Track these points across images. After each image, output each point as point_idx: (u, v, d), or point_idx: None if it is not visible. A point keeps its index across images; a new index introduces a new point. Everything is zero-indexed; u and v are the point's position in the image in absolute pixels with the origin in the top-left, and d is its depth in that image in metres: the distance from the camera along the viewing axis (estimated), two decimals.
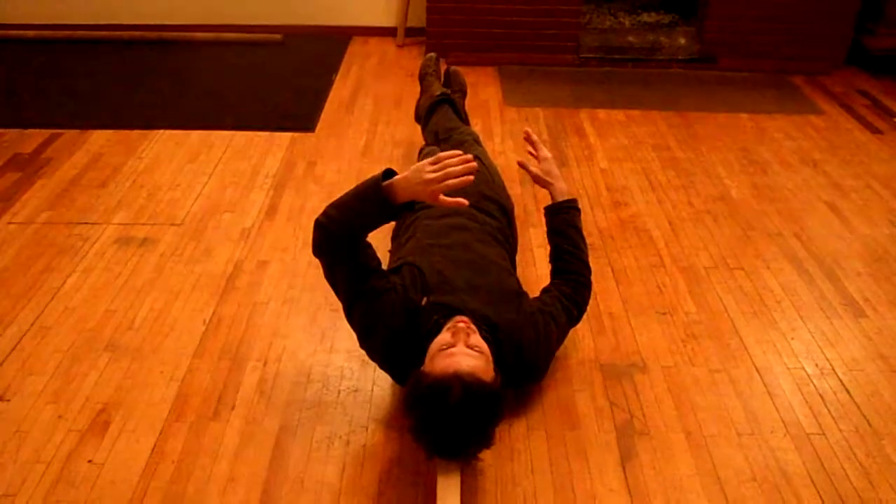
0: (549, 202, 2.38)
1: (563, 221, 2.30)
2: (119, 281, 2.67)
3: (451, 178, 1.81)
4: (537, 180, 2.39)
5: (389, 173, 1.90)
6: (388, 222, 1.96)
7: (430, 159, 1.85)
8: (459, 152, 1.86)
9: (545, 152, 2.42)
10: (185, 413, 2.13)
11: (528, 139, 2.42)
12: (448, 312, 1.95)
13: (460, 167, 1.82)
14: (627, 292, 2.68)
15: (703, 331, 2.51)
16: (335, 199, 1.98)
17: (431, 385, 1.76)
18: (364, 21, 5.26)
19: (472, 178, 1.82)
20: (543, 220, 2.39)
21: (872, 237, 3.07)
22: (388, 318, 1.99)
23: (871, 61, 4.84)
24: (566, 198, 2.35)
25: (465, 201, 1.84)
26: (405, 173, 1.87)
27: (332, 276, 2.06)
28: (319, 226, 1.98)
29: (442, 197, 1.82)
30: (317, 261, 2.18)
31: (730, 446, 2.07)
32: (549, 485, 1.95)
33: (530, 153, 2.43)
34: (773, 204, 3.29)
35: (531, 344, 2.02)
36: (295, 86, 4.44)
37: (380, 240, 2.23)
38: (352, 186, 2.24)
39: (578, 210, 2.34)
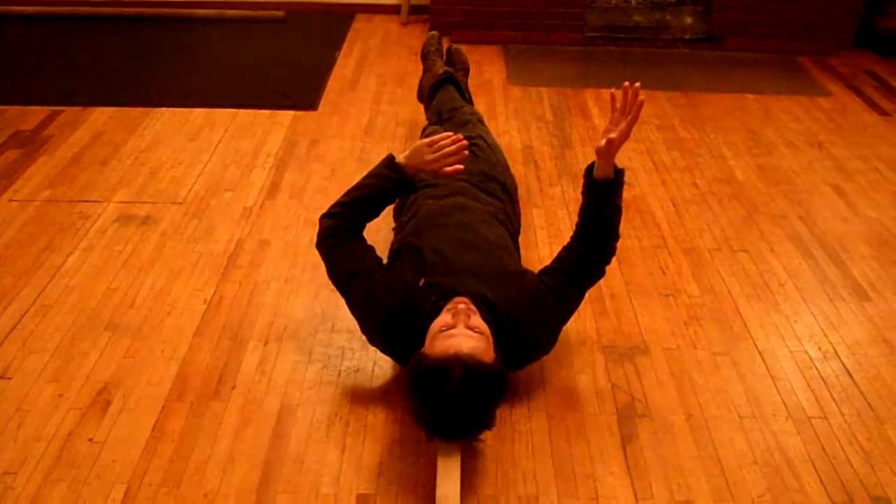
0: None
1: (607, 200, 2.03)
2: (120, 259, 2.66)
3: (446, 159, 2.05)
4: (610, 145, 1.96)
5: (391, 158, 2.13)
6: (399, 195, 2.17)
7: (425, 141, 2.07)
8: (451, 133, 2.07)
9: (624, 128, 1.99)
10: (186, 392, 2.13)
11: (632, 98, 1.97)
12: (447, 293, 1.94)
13: (453, 147, 2.05)
14: (630, 274, 2.67)
15: (705, 313, 2.50)
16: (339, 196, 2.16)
17: (432, 367, 1.76)
18: None
19: (466, 153, 2.07)
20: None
21: (878, 220, 3.05)
22: (383, 297, 1.99)
23: (880, 42, 4.79)
24: (613, 171, 2.00)
25: (461, 167, 2.07)
26: (406, 153, 2.11)
27: (333, 266, 2.11)
28: (328, 216, 2.13)
29: (445, 170, 2.06)
30: None
31: (731, 429, 2.07)
32: (550, 466, 1.94)
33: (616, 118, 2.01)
34: (779, 186, 3.27)
35: (531, 323, 2.01)
36: (297, 64, 4.41)
37: (382, 218, 2.22)
38: (354, 164, 2.26)
39: (623, 184, 2.05)
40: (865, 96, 4.21)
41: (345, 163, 3.31)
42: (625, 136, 1.98)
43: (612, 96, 1.99)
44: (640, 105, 1.95)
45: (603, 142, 1.95)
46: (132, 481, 1.87)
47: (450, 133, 2.07)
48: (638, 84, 1.96)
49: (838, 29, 4.81)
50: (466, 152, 2.07)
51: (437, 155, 2.05)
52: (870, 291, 2.63)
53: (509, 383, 1.91)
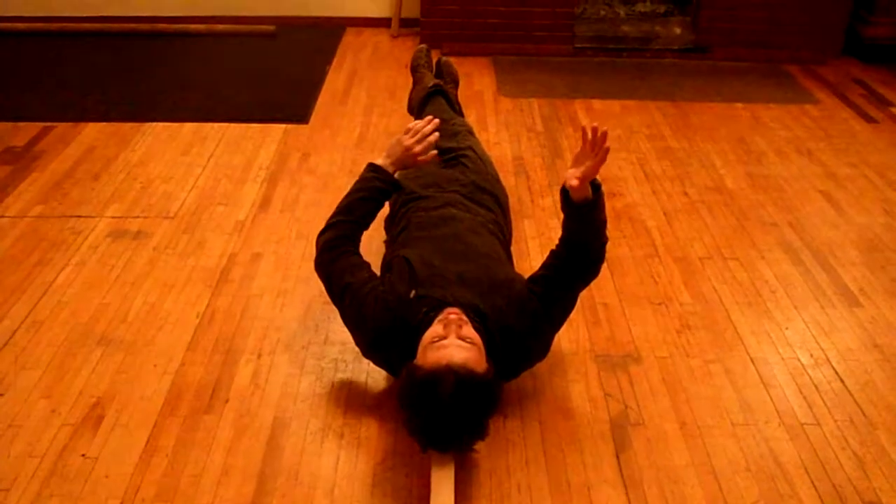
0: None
1: (588, 218, 1.99)
2: (112, 274, 2.66)
3: (426, 139, 2.24)
4: (573, 190, 1.93)
5: (371, 163, 2.29)
6: (387, 196, 2.27)
7: (402, 132, 2.27)
8: (420, 120, 2.29)
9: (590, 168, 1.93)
10: (179, 406, 2.12)
11: (601, 141, 1.91)
12: (438, 304, 1.94)
13: (429, 127, 2.26)
14: (622, 283, 2.68)
15: (697, 321, 2.51)
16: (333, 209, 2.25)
17: (424, 378, 1.76)
18: (358, 12, 5.24)
19: (437, 134, 2.27)
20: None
21: (867, 226, 3.07)
22: (374, 309, 2.00)
23: (867, 50, 4.83)
24: (590, 192, 1.95)
25: (435, 152, 2.29)
26: (385, 153, 2.27)
27: (330, 280, 2.13)
28: (324, 231, 2.18)
29: (420, 158, 2.25)
30: (311, 252, 2.23)
31: (724, 436, 2.07)
32: (544, 476, 1.94)
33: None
34: (768, 193, 3.29)
35: (523, 332, 2.00)
36: (288, 77, 4.42)
37: (374, 230, 2.23)
38: (345, 178, 2.30)
39: (603, 200, 2.00)
40: (853, 104, 4.24)
41: (336, 176, 3.31)
42: (592, 174, 1.92)
43: (584, 130, 1.93)
44: (607, 151, 1.90)
45: (573, 182, 1.90)
46: (126, 496, 1.86)
47: (420, 120, 2.30)
48: (606, 129, 1.90)
49: (826, 38, 4.85)
50: (437, 134, 2.27)
51: (416, 137, 2.24)
52: (860, 297, 2.64)
53: (502, 393, 1.92)
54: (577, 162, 1.94)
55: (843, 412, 2.17)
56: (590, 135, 1.91)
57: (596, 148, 1.91)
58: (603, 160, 1.91)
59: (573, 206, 1.97)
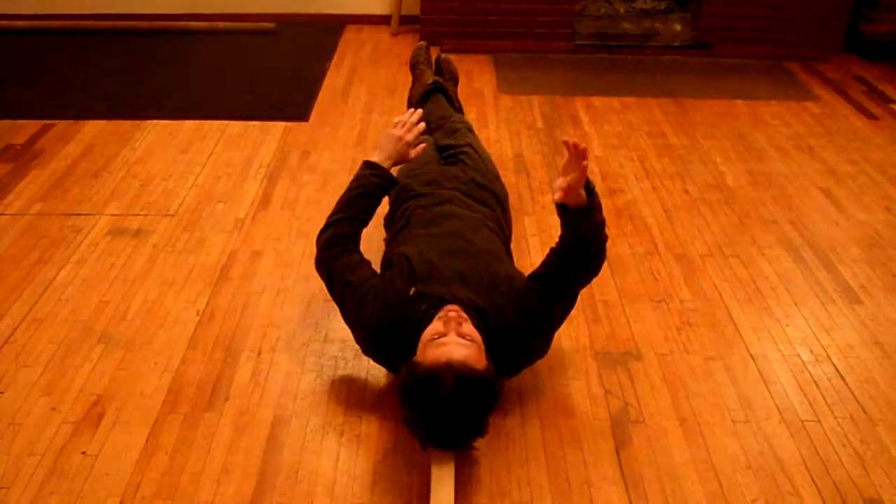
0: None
1: (586, 223, 2.00)
2: (112, 272, 2.66)
3: (415, 127, 2.31)
4: (565, 191, 1.93)
5: (366, 161, 2.31)
6: (384, 192, 2.27)
7: (390, 127, 2.33)
8: (404, 114, 2.38)
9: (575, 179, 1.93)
10: (179, 404, 2.12)
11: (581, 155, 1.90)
12: (437, 302, 1.94)
13: (415, 116, 2.35)
14: (622, 280, 2.68)
15: (697, 318, 2.51)
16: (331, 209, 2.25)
17: (424, 375, 1.76)
18: (358, 9, 5.23)
19: (423, 125, 2.35)
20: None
21: (868, 223, 3.06)
22: (374, 307, 2.00)
23: (868, 47, 4.82)
24: (585, 197, 1.96)
25: (425, 144, 2.39)
26: (377, 149, 2.30)
27: (332, 279, 2.13)
28: (324, 230, 2.18)
29: (412, 150, 2.32)
30: (311, 250, 2.23)
31: (724, 434, 2.07)
32: (544, 473, 1.94)
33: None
34: (769, 191, 3.28)
35: (523, 329, 2.00)
36: (288, 75, 4.42)
37: (375, 227, 2.23)
38: (346, 175, 2.32)
39: (599, 203, 2.03)
40: (854, 101, 4.23)
41: (337, 173, 3.31)
42: (577, 185, 1.91)
43: (566, 143, 1.91)
44: (585, 168, 1.88)
45: (557, 195, 1.92)
46: (126, 494, 1.86)
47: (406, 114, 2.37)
48: (585, 147, 1.88)
49: (827, 34, 4.84)
50: (423, 125, 2.34)
51: (405, 128, 2.30)
52: (861, 294, 2.64)
53: (502, 390, 1.92)
54: (564, 171, 1.95)
55: (844, 409, 2.17)
56: (572, 148, 1.90)
57: (577, 162, 1.89)
58: (584, 174, 1.90)
59: (569, 212, 1.98)
